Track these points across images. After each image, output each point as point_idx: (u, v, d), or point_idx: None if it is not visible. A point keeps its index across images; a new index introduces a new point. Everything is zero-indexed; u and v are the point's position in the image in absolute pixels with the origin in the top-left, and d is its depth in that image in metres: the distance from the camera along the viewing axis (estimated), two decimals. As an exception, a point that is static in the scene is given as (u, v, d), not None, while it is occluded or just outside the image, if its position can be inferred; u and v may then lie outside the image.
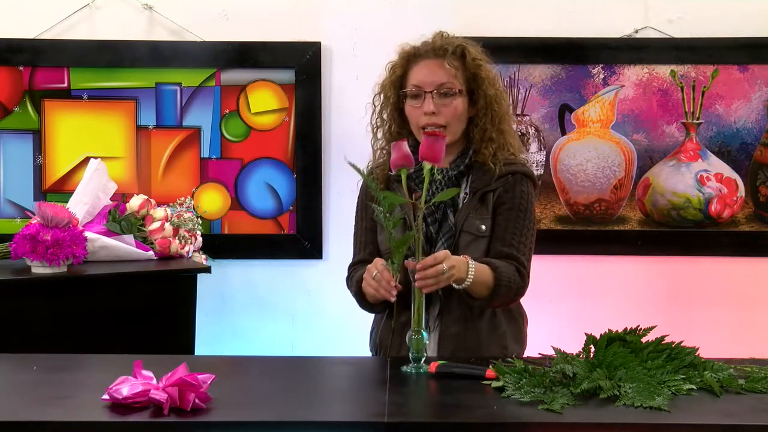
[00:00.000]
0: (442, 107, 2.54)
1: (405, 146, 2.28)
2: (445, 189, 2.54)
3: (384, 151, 2.67)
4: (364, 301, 2.57)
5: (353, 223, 2.74)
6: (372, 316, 2.75)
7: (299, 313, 3.85)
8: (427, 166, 2.28)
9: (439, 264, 2.31)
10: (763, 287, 3.83)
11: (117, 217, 3.36)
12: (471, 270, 2.42)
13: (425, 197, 2.28)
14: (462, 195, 2.58)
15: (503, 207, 2.58)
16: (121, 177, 3.74)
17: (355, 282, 2.58)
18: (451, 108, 2.55)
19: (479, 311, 2.57)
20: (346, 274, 2.71)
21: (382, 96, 2.66)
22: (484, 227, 2.55)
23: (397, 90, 2.62)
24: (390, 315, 2.59)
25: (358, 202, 2.73)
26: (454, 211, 2.57)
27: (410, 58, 2.60)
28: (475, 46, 2.63)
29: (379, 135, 2.69)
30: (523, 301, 2.69)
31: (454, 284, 2.42)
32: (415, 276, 2.29)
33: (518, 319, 2.67)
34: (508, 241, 2.55)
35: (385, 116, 2.66)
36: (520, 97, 3.81)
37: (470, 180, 2.59)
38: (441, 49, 2.57)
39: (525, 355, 2.53)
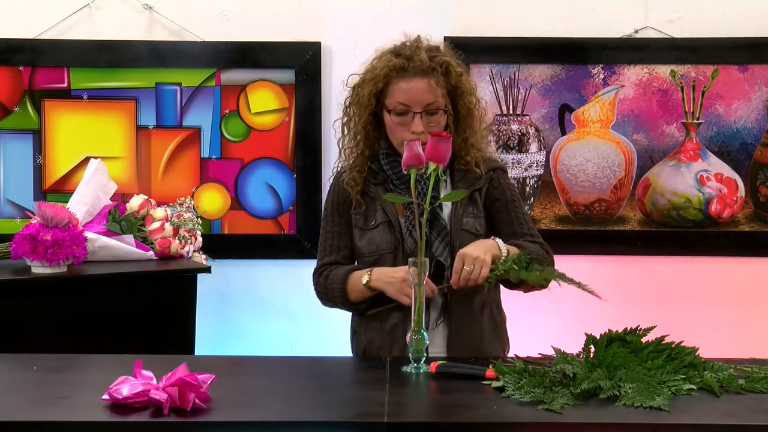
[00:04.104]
0: (429, 126, 2.53)
1: (417, 146, 2.29)
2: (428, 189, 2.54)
3: (355, 152, 2.63)
4: (346, 300, 2.59)
5: (321, 226, 2.73)
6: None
7: (299, 313, 3.85)
8: (432, 166, 2.28)
9: (462, 269, 2.41)
10: (763, 287, 3.83)
11: (117, 217, 3.36)
12: (502, 247, 2.50)
13: (430, 197, 2.28)
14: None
15: (498, 203, 2.63)
16: (121, 177, 3.74)
17: (339, 279, 2.58)
18: (437, 126, 2.55)
19: (480, 308, 2.59)
20: (312, 278, 2.70)
21: (358, 99, 2.61)
22: (478, 227, 2.59)
23: (377, 100, 2.58)
24: (375, 317, 2.60)
25: (327, 206, 2.70)
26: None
27: (394, 72, 2.55)
28: (454, 54, 2.62)
29: (351, 135, 2.65)
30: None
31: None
32: (454, 281, 2.44)
33: (501, 319, 2.69)
34: (518, 230, 2.63)
35: (357, 119, 2.62)
36: (520, 97, 3.80)
37: (454, 181, 2.61)
38: (429, 68, 2.54)
39: (511, 354, 2.54)
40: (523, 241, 2.59)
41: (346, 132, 2.66)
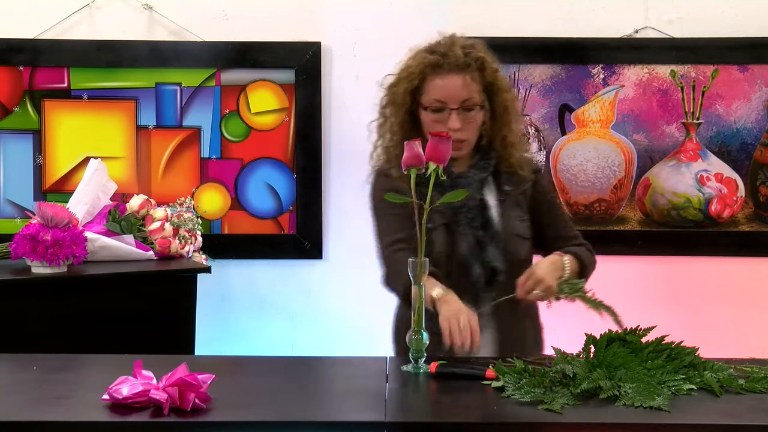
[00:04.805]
0: (465, 123, 2.54)
1: (417, 146, 2.28)
2: (477, 192, 2.57)
3: (394, 152, 2.61)
4: (407, 293, 2.45)
5: (375, 218, 2.65)
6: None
7: (299, 313, 3.85)
8: (432, 166, 2.28)
9: (532, 292, 2.46)
10: (763, 287, 3.83)
11: (117, 217, 3.36)
12: (566, 267, 2.54)
13: (430, 198, 2.28)
14: (495, 198, 2.60)
15: (543, 207, 2.67)
16: (121, 177, 3.74)
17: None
18: (474, 123, 2.56)
19: (525, 312, 2.63)
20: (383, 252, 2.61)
21: (393, 98, 2.60)
22: (526, 231, 2.62)
23: (412, 98, 2.57)
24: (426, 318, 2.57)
25: (377, 197, 2.63)
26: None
27: (429, 69, 2.55)
28: (488, 51, 2.61)
29: (389, 135, 2.63)
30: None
31: None
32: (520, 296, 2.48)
33: (540, 323, 2.73)
34: (563, 234, 2.68)
35: (394, 119, 2.61)
36: (520, 97, 3.80)
37: (500, 183, 2.62)
38: (463, 63, 2.54)
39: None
40: (571, 246, 2.62)
41: (382, 133, 2.65)
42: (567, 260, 2.55)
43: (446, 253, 2.55)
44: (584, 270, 2.60)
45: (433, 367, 2.24)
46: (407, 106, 2.58)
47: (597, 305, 2.46)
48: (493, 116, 2.60)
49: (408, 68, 2.58)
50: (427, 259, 2.31)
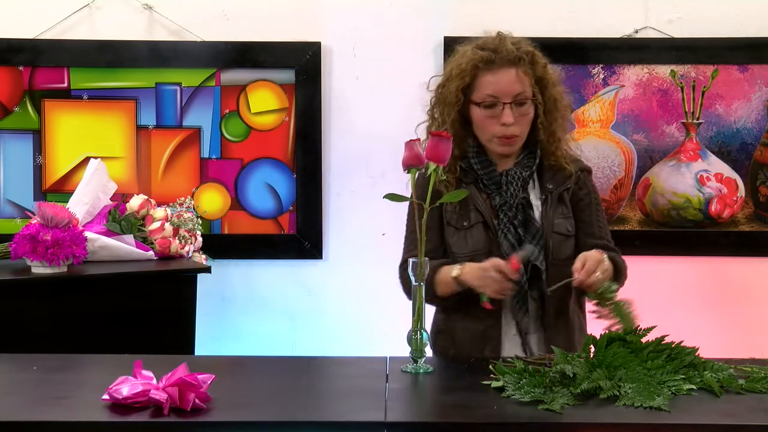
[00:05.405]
0: (519, 117, 2.54)
1: (417, 146, 2.28)
2: (520, 190, 2.56)
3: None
4: (433, 293, 2.53)
5: (407, 221, 2.66)
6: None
7: (299, 313, 3.85)
8: (431, 166, 2.28)
9: (595, 274, 2.43)
10: (763, 287, 3.83)
11: (117, 217, 3.36)
12: (606, 265, 2.49)
13: (430, 198, 2.27)
14: (538, 196, 2.60)
15: (582, 203, 2.66)
16: (121, 177, 3.74)
17: (430, 270, 2.44)
18: (527, 117, 2.56)
19: (571, 313, 2.62)
20: (398, 271, 2.64)
21: (444, 97, 2.60)
22: (569, 227, 2.60)
23: (464, 96, 2.57)
24: (466, 319, 2.57)
25: (411, 208, 2.63)
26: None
27: (481, 65, 2.55)
28: (536, 46, 2.62)
29: None
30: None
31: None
32: (580, 280, 2.43)
33: (583, 323, 2.70)
34: (599, 234, 2.65)
35: (446, 116, 2.60)
36: (520, 97, 3.80)
37: (543, 180, 2.61)
38: (515, 58, 2.54)
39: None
40: (606, 251, 2.56)
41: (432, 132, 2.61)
42: (606, 259, 2.49)
43: (485, 252, 2.55)
44: (618, 277, 2.56)
45: (514, 264, 2.36)
46: (459, 104, 2.57)
47: (625, 317, 2.39)
48: (544, 110, 2.60)
49: (459, 66, 2.58)
50: (427, 259, 2.31)
